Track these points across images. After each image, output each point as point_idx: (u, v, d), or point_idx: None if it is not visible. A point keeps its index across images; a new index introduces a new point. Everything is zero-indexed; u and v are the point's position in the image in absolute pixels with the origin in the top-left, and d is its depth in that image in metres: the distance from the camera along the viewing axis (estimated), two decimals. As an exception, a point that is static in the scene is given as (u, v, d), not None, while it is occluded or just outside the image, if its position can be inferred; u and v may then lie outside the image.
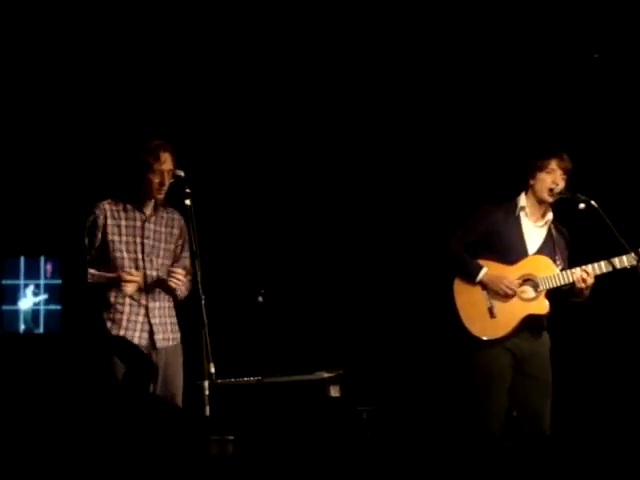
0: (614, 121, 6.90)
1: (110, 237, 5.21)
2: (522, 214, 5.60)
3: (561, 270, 5.54)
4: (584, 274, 5.48)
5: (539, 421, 5.51)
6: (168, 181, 5.14)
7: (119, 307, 5.20)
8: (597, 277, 5.50)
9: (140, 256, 5.23)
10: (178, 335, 5.34)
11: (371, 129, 7.12)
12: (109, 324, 5.19)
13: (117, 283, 5.17)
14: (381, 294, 7.05)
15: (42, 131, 6.89)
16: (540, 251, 5.58)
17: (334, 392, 5.79)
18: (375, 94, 7.06)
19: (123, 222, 5.23)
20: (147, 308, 5.23)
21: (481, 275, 5.52)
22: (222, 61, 6.93)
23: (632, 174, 6.82)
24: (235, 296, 6.63)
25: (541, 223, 5.62)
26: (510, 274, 5.52)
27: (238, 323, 6.57)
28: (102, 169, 6.33)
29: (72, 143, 6.87)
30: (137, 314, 5.21)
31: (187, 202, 4.92)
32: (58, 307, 7.45)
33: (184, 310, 5.32)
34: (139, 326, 5.20)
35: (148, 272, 5.23)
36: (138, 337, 5.20)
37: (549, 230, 5.63)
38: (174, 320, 5.34)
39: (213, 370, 4.56)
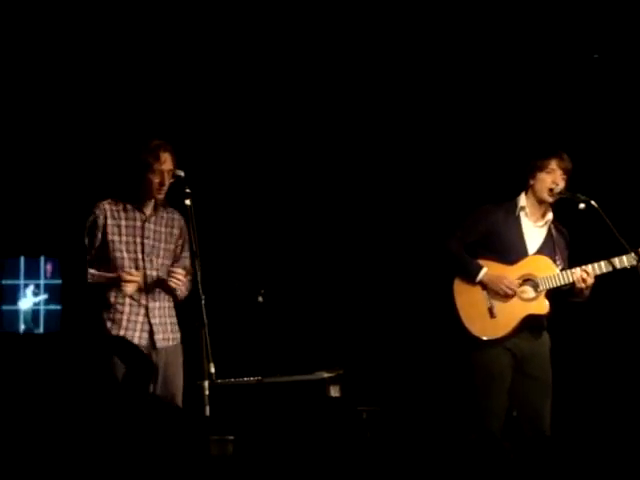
0: (614, 121, 6.90)
1: (110, 237, 5.21)
2: (522, 214, 5.60)
3: (561, 270, 5.54)
4: (584, 274, 5.48)
5: (539, 421, 5.50)
6: (168, 181, 5.14)
7: (119, 307, 5.19)
8: (597, 277, 5.50)
9: (140, 256, 5.23)
10: (178, 335, 5.34)
11: (371, 129, 7.12)
12: (109, 324, 5.19)
13: (117, 283, 5.17)
14: (381, 294, 7.05)
15: (42, 131, 6.89)
16: (540, 251, 5.58)
17: (334, 392, 5.79)
18: (375, 94, 7.06)
19: (123, 222, 5.23)
20: (147, 308, 5.23)
21: (481, 275, 5.52)
22: (222, 61, 6.93)
23: (632, 174, 6.82)
24: (235, 296, 6.63)
25: (541, 223, 5.62)
26: (510, 274, 5.52)
27: (238, 323, 6.57)
28: (102, 169, 6.33)
29: (72, 143, 6.88)
30: (137, 314, 5.21)
31: (187, 202, 4.91)
32: (58, 307, 7.44)
33: (184, 310, 5.31)
34: (139, 326, 5.20)
35: (148, 272, 5.23)
36: (138, 337, 5.20)
37: (549, 230, 5.62)
38: (174, 320, 5.34)
39: (213, 370, 4.56)
